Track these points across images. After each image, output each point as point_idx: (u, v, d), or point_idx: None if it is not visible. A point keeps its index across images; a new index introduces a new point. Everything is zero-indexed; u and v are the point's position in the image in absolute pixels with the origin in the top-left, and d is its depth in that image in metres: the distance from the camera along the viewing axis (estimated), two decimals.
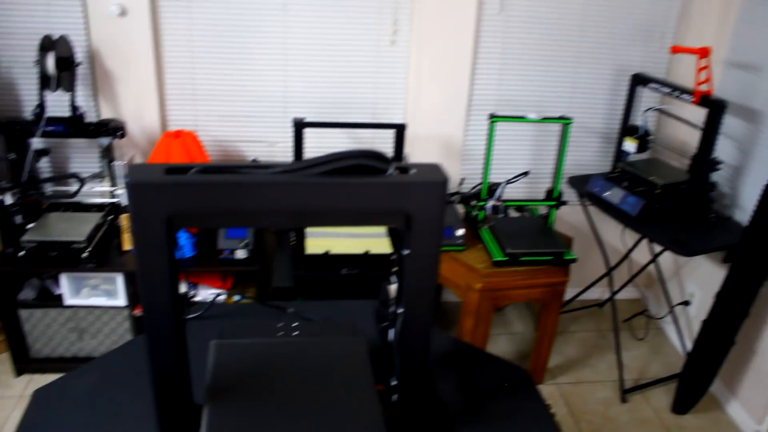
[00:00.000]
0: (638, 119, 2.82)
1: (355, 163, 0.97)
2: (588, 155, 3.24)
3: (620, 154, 2.87)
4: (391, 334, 1.19)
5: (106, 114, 2.85)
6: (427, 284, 1.06)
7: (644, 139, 2.78)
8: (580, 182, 2.90)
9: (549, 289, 2.58)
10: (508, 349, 3.19)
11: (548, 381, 2.97)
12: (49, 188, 2.89)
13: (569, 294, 3.52)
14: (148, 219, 0.91)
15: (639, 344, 3.28)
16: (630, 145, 2.81)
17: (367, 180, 0.96)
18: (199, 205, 0.92)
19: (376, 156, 0.99)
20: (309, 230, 2.69)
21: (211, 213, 0.94)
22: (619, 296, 3.58)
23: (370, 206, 0.98)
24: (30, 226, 2.68)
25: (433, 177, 0.98)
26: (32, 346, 2.82)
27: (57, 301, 2.73)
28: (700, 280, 3.06)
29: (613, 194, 2.68)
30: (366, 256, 2.52)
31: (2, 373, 2.87)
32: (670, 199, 2.60)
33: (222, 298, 2.79)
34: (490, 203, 2.69)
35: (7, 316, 2.72)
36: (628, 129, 2.83)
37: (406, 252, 1.04)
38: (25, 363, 2.84)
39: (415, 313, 1.08)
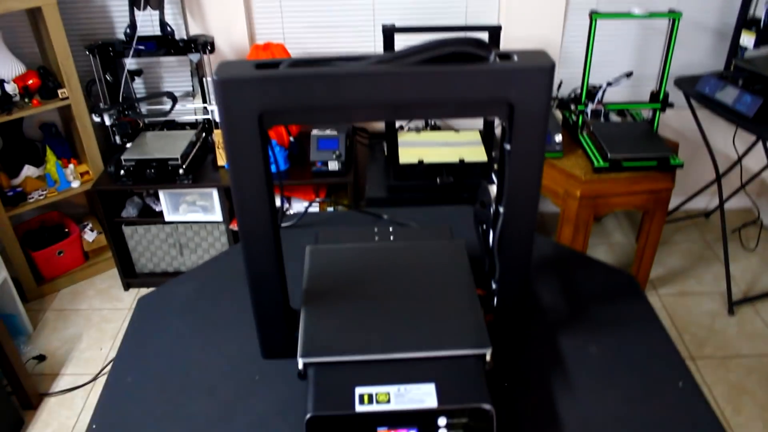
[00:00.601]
0: (760, 10, 2.56)
1: (454, 51, 0.90)
2: (698, 54, 2.99)
3: (736, 50, 2.63)
4: (492, 236, 1.13)
5: (195, 30, 2.84)
6: (530, 181, 0.99)
7: (765, 33, 2.53)
8: (688, 83, 2.70)
9: (653, 196, 2.45)
10: (608, 260, 3.09)
11: (650, 292, 2.87)
12: (144, 108, 2.94)
13: (672, 203, 3.35)
14: (240, 117, 0.88)
15: (749, 255, 3.10)
16: (748, 39, 2.56)
17: (467, 67, 0.89)
18: (291, 100, 0.88)
19: (476, 42, 0.92)
20: (402, 139, 2.64)
21: (305, 108, 0.89)
22: (727, 205, 3.38)
23: (470, 96, 0.91)
24: (128, 145, 2.74)
25: (539, 62, 0.90)
26: (137, 261, 2.93)
27: (157, 217, 2.81)
28: None
29: (727, 94, 2.48)
30: (461, 165, 2.45)
31: (113, 287, 3.02)
32: None
33: (315, 208, 2.80)
34: (591, 107, 2.55)
35: (114, 233, 2.83)
36: (746, 21, 2.58)
37: (508, 147, 0.97)
38: (132, 277, 2.97)
39: (518, 212, 1.02)
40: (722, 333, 2.63)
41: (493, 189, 1.20)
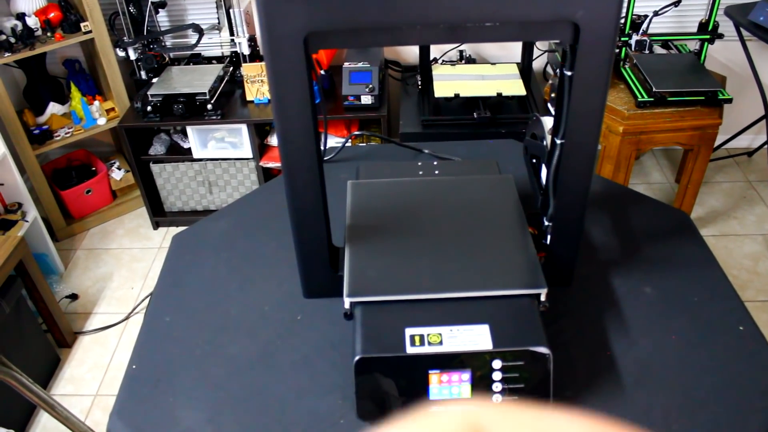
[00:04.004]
0: None
1: None
2: None
3: None
4: (546, 171, 1.06)
5: None
6: (593, 110, 0.92)
7: None
8: (739, 11, 2.54)
9: (699, 133, 2.34)
10: None
11: None
12: (169, 41, 2.86)
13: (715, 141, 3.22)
14: (284, 39, 0.81)
15: None
16: None
17: None
18: (340, 20, 0.80)
19: None
20: (436, 73, 2.55)
21: (354, 29, 0.82)
22: None
23: (533, 15, 0.83)
24: (154, 80, 2.68)
25: None
26: (166, 199, 2.90)
27: (186, 154, 2.77)
28: None
29: None
30: (498, 98, 2.36)
31: (142, 226, 3.01)
32: None
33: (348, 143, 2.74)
34: (635, 38, 2.43)
35: (141, 171, 2.79)
36: None
37: (569, 73, 0.90)
38: (161, 216, 2.95)
39: (578, 144, 0.94)
40: (765, 276, 2.55)
41: (547, 121, 1.12)
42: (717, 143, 3.20)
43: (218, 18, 2.77)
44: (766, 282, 2.52)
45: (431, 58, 2.65)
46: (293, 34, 0.80)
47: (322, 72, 2.64)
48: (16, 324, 2.12)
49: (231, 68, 2.79)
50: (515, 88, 2.41)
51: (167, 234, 2.95)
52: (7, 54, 2.44)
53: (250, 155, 2.69)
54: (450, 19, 0.82)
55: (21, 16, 2.51)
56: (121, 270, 2.78)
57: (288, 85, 0.84)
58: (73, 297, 2.63)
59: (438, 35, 0.85)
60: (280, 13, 0.79)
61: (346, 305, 0.94)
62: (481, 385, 0.88)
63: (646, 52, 2.49)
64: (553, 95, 1.04)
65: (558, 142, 0.97)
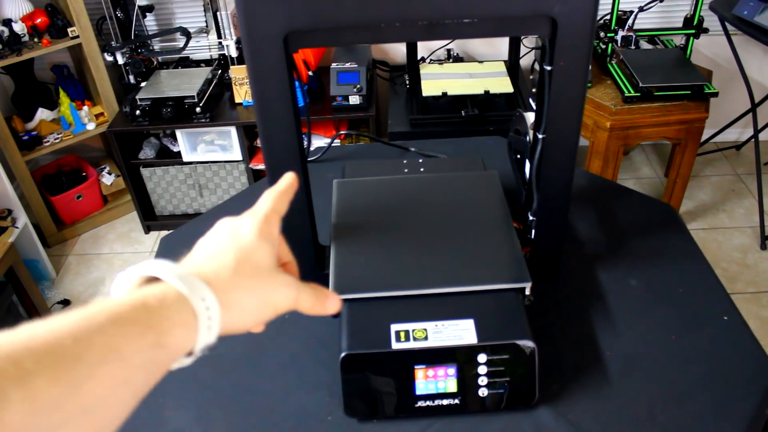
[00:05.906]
0: None
1: None
2: None
3: None
4: (529, 166, 1.07)
5: None
6: (573, 104, 0.93)
7: None
8: (724, 6, 2.56)
9: (686, 127, 2.36)
10: None
11: None
12: (156, 45, 2.86)
13: (703, 135, 3.24)
14: (264, 39, 0.81)
15: None
16: None
17: None
18: (319, 18, 0.81)
19: None
20: (424, 72, 2.56)
21: (333, 27, 0.83)
22: (762, 136, 3.26)
23: (510, 11, 0.84)
24: (142, 84, 2.68)
25: None
26: (157, 203, 2.90)
27: (175, 158, 2.76)
28: None
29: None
30: (486, 96, 2.37)
31: (133, 230, 3.00)
32: None
33: (337, 142, 2.74)
34: (621, 34, 2.44)
35: (132, 176, 2.79)
36: None
37: (548, 68, 0.90)
38: (152, 220, 2.95)
39: (558, 137, 0.95)
40: (754, 268, 2.57)
41: (530, 117, 1.13)
42: (705, 137, 3.22)
43: (206, 21, 2.77)
44: (755, 274, 2.53)
45: (419, 57, 2.66)
46: (273, 34, 0.81)
47: (310, 73, 2.64)
48: None
49: (219, 71, 2.79)
50: (503, 85, 2.42)
51: (158, 238, 2.95)
52: None
53: (240, 157, 2.70)
54: (428, 16, 0.82)
55: (7, 22, 2.50)
56: (113, 275, 2.77)
57: (269, 84, 0.85)
58: (65, 303, 2.63)
59: (417, 32, 0.86)
60: (260, 12, 0.79)
61: None
62: (467, 379, 0.88)
63: (632, 47, 2.50)
64: (533, 90, 1.05)
65: (539, 136, 0.98)
